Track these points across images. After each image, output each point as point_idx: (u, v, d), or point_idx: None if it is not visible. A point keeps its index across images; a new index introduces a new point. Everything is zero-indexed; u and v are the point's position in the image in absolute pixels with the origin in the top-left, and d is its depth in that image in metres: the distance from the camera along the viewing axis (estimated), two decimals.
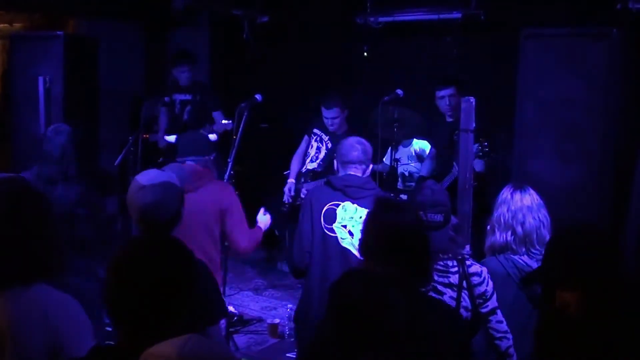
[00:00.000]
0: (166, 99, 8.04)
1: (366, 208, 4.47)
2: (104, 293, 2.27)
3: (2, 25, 10.04)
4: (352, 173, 4.69)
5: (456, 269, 3.62)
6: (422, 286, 3.15)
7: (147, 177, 3.52)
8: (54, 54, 6.98)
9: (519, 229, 4.03)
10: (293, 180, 7.35)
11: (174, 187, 3.55)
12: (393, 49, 8.29)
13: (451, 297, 3.59)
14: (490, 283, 3.65)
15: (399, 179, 7.60)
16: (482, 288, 3.62)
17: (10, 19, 10.08)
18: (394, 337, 2.36)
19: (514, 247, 4.04)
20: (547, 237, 4.05)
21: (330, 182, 4.75)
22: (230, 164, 6.17)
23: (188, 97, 7.95)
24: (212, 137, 4.94)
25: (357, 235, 4.38)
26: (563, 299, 2.63)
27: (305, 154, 7.42)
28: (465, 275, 3.61)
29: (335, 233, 4.61)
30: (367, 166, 4.76)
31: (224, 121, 7.29)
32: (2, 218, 2.67)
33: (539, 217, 4.07)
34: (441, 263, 3.61)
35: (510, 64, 5.83)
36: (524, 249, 4.03)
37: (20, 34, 8.69)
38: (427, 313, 2.83)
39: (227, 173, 6.07)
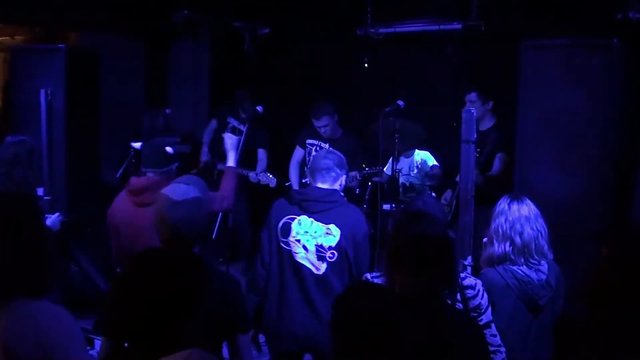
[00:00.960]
0: (231, 120, 8.01)
1: (323, 222, 4.52)
2: (109, 307, 2.27)
3: (3, 38, 10.06)
4: (319, 184, 4.64)
5: None
6: (449, 296, 3.16)
7: (178, 192, 3.52)
8: (55, 67, 6.98)
9: (517, 240, 4.03)
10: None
11: (204, 203, 3.57)
12: (394, 60, 8.30)
13: None
14: (485, 296, 3.64)
15: (400, 190, 7.60)
16: (476, 301, 3.61)
17: (11, 32, 10.10)
18: (396, 352, 2.35)
19: (512, 257, 4.03)
20: (545, 247, 4.06)
21: (290, 195, 4.73)
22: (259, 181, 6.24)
23: (242, 127, 7.88)
24: (169, 149, 4.85)
25: (312, 249, 4.48)
26: None
27: (304, 163, 7.46)
28: (459, 288, 3.60)
29: (290, 247, 4.56)
30: (338, 175, 4.67)
31: (270, 175, 7.35)
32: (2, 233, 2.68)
33: (536, 227, 4.07)
34: None
35: (511, 74, 5.83)
36: (522, 260, 4.03)
37: (22, 47, 8.69)
38: (446, 325, 2.84)
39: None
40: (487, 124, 6.87)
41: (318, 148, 7.33)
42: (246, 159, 7.39)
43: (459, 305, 3.57)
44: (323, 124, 7.13)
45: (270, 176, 7.34)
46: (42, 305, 2.69)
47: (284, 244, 4.58)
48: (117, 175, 6.95)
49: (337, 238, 4.48)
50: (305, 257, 4.52)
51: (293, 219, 4.58)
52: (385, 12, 7.92)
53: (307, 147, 7.48)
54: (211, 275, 3.15)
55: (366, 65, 8.28)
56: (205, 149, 8.22)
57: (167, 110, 7.96)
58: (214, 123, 8.30)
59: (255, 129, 7.67)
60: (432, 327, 2.73)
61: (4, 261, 2.66)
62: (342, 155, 4.82)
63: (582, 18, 6.35)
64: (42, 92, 6.62)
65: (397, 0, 7.86)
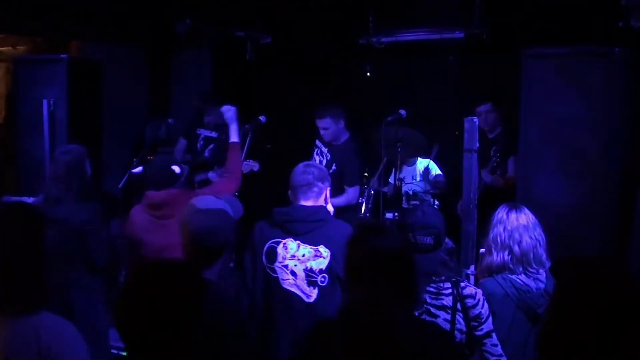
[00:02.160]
0: (201, 131, 7.98)
1: (311, 245, 4.15)
2: (116, 317, 2.27)
3: (5, 48, 10.08)
4: (302, 202, 4.28)
5: (449, 290, 3.61)
6: (412, 309, 3.11)
7: (204, 202, 3.54)
8: (58, 77, 7.01)
9: (516, 248, 4.04)
10: None
11: (228, 216, 3.57)
12: (395, 68, 8.32)
13: (445, 319, 3.58)
14: (486, 306, 3.64)
15: (404, 198, 7.60)
16: (476, 310, 3.60)
17: (14, 42, 10.12)
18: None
19: (511, 266, 4.04)
20: (544, 256, 4.07)
21: (272, 215, 4.32)
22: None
23: (214, 134, 7.91)
24: (176, 169, 4.92)
25: (301, 274, 4.13)
26: None
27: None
28: (459, 297, 3.60)
29: (277, 273, 4.19)
30: (322, 188, 4.32)
31: (250, 161, 7.28)
32: (7, 245, 2.68)
33: (535, 236, 4.08)
34: (433, 285, 3.60)
35: (513, 83, 5.85)
36: (521, 268, 4.03)
37: (24, 57, 8.73)
38: (418, 336, 2.80)
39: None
40: (496, 130, 6.96)
41: (319, 152, 7.33)
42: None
43: (460, 315, 3.58)
44: (323, 125, 7.04)
45: (251, 161, 7.22)
46: (42, 317, 2.69)
47: (270, 270, 4.20)
48: (120, 186, 6.95)
49: (328, 260, 4.11)
50: (294, 284, 4.16)
51: (278, 243, 4.21)
52: (387, 21, 7.93)
53: (315, 148, 7.43)
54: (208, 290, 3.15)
55: (368, 74, 8.30)
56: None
57: (170, 120, 7.96)
58: (182, 142, 8.05)
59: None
60: (393, 339, 2.67)
61: (8, 273, 2.66)
62: (321, 167, 4.53)
63: (583, 27, 6.36)
64: (45, 102, 6.65)
65: (399, 9, 7.87)
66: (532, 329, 3.99)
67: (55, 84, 7.01)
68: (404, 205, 7.55)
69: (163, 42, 9.31)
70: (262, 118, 6.58)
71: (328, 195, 4.40)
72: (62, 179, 4.98)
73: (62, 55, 7.23)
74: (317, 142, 7.35)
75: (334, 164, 7.15)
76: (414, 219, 3.67)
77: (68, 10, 8.07)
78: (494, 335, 3.65)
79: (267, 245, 4.22)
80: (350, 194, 6.96)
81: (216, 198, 3.66)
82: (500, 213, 4.17)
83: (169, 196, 4.65)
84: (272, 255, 4.20)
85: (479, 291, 3.66)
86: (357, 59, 8.32)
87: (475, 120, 4.84)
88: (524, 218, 4.11)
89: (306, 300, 4.14)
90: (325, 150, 7.24)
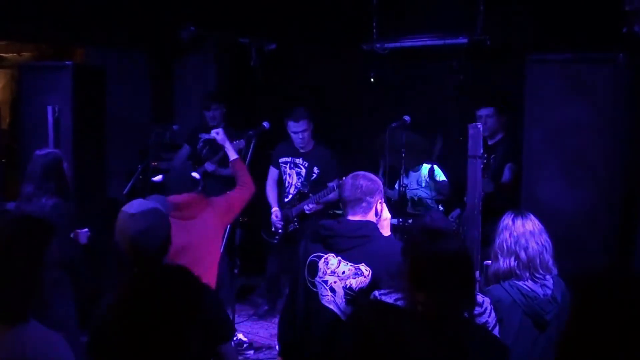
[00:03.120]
0: (202, 135, 7.99)
1: (352, 262, 3.99)
2: (109, 328, 2.27)
3: (10, 55, 10.13)
4: (350, 217, 4.11)
5: None
6: (470, 312, 3.15)
7: (134, 206, 3.55)
8: (62, 83, 7.02)
9: (522, 254, 4.03)
10: (277, 208, 7.48)
11: (163, 214, 3.60)
12: (399, 74, 8.32)
13: None
14: (493, 314, 3.61)
15: (409, 203, 7.61)
16: (483, 318, 3.57)
17: (18, 48, 10.16)
18: None
19: (517, 272, 4.02)
20: (550, 262, 4.06)
21: (317, 229, 4.20)
22: None
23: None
24: (195, 175, 5.11)
25: (340, 292, 4.00)
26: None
27: (281, 182, 7.58)
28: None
29: (317, 288, 4.08)
30: (370, 203, 4.11)
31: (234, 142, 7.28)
32: (4, 256, 2.69)
33: (541, 241, 4.07)
34: None
35: (516, 89, 5.85)
36: (527, 274, 4.01)
37: (29, 64, 8.75)
38: (468, 343, 2.85)
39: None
40: (497, 137, 6.91)
41: (292, 165, 7.36)
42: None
43: None
44: (301, 128, 7.17)
45: (235, 141, 7.15)
46: (28, 329, 2.67)
47: (311, 285, 4.10)
48: (125, 192, 6.97)
49: (369, 279, 3.94)
50: (332, 301, 4.02)
51: (320, 257, 4.09)
52: (391, 27, 7.94)
53: (281, 166, 7.53)
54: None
55: (372, 80, 8.30)
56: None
57: (174, 127, 7.98)
58: (186, 148, 8.09)
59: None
60: (454, 345, 2.72)
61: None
62: (372, 178, 4.20)
63: (587, 32, 6.37)
64: (50, 108, 6.65)
65: (403, 15, 7.89)
66: (539, 336, 3.98)
67: (59, 90, 7.01)
68: (409, 210, 7.56)
69: (167, 48, 9.34)
70: (265, 124, 6.60)
71: (380, 208, 4.18)
72: (37, 178, 5.33)
73: (66, 62, 7.24)
74: (285, 159, 7.48)
75: (315, 168, 7.22)
76: (422, 224, 3.67)
77: (72, 17, 8.10)
78: None
79: (309, 259, 4.12)
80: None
81: (144, 200, 3.76)
82: (506, 220, 4.17)
83: (191, 198, 4.89)
84: (314, 269, 4.09)
85: (487, 299, 3.65)
86: (361, 65, 8.32)
87: (479, 126, 4.83)
88: (530, 224, 4.11)
89: (343, 318, 4.00)
90: (298, 160, 7.30)
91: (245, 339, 6.86)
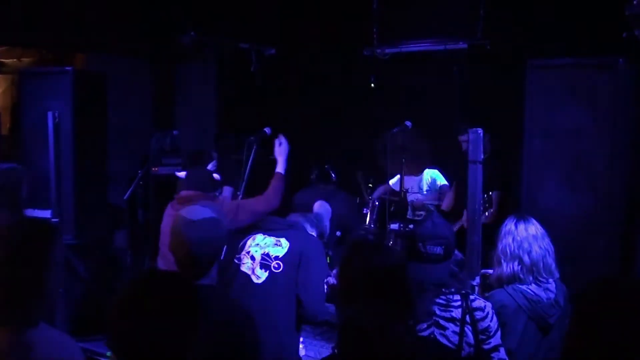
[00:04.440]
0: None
1: (275, 236, 4.68)
2: (110, 330, 2.26)
3: (11, 60, 10.13)
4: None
5: (459, 302, 3.58)
6: (411, 325, 3.12)
7: (195, 212, 3.50)
8: (63, 89, 6.99)
9: (525, 258, 4.03)
10: None
11: (221, 224, 3.55)
12: (400, 79, 8.32)
13: (454, 331, 3.55)
14: (495, 319, 3.61)
15: (409, 208, 7.60)
16: (485, 323, 3.57)
17: (19, 54, 10.17)
18: None
19: (521, 276, 4.03)
20: (553, 265, 4.06)
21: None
22: (240, 196, 6.22)
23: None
24: (216, 176, 5.11)
25: (258, 258, 4.60)
26: None
27: None
28: (468, 310, 3.58)
29: (240, 260, 4.66)
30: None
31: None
32: (13, 259, 2.68)
33: (544, 245, 4.08)
34: (443, 297, 3.58)
35: (517, 94, 5.84)
36: (531, 278, 4.02)
37: (30, 70, 8.74)
38: (418, 352, 2.79)
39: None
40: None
41: None
42: None
43: (469, 328, 3.56)
44: None
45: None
46: (39, 332, 2.67)
47: (237, 260, 4.66)
48: (125, 197, 6.97)
49: (285, 250, 4.57)
50: (250, 267, 4.58)
51: (249, 237, 4.75)
52: (391, 32, 7.95)
53: None
54: (214, 304, 3.16)
55: (372, 85, 8.30)
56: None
57: (175, 132, 7.98)
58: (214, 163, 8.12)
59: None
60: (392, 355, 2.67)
61: (14, 286, 2.65)
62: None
63: (587, 37, 6.37)
64: (50, 114, 6.64)
65: (403, 20, 7.89)
66: (542, 340, 3.98)
67: (60, 96, 6.99)
68: (409, 215, 7.55)
69: (168, 54, 9.34)
70: (267, 130, 6.57)
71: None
72: None
73: (67, 68, 7.21)
74: None
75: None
76: (424, 229, 3.66)
77: (73, 22, 8.11)
78: (502, 350, 3.61)
79: (241, 242, 4.75)
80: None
81: (202, 207, 3.65)
82: (509, 225, 4.17)
83: (195, 194, 4.95)
84: (242, 247, 4.72)
85: (488, 304, 3.64)
86: (361, 70, 8.32)
87: (479, 131, 4.82)
88: (533, 228, 4.11)
89: (255, 280, 4.55)
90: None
91: None
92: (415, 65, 8.14)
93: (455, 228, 7.13)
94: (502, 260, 4.10)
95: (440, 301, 3.57)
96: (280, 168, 5.37)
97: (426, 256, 3.56)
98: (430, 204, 7.61)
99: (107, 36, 8.65)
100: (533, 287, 4.01)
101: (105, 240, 7.35)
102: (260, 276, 4.52)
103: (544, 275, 4.03)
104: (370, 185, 7.49)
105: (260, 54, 7.60)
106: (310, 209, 5.79)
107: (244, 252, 4.68)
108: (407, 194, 7.42)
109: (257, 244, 4.67)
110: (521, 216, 4.23)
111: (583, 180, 5.40)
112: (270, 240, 4.67)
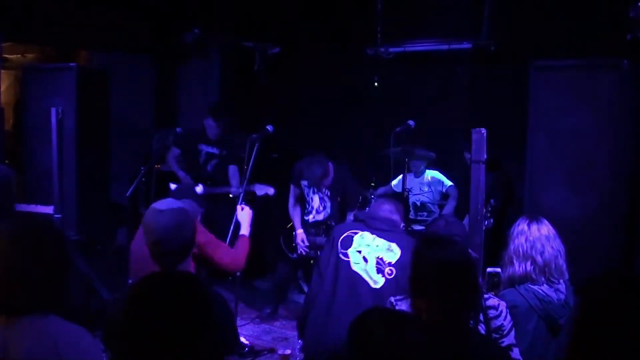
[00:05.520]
0: (202, 147, 8.03)
1: (386, 240, 4.53)
2: (119, 330, 2.25)
3: (14, 56, 10.13)
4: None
5: None
6: (475, 320, 3.15)
7: (164, 203, 3.61)
8: (66, 85, 7.01)
9: (538, 259, 4.04)
10: (302, 231, 7.35)
11: (190, 216, 3.62)
12: (403, 79, 8.32)
13: None
14: (509, 318, 3.60)
15: (411, 209, 7.59)
16: (498, 322, 3.57)
17: (22, 50, 10.18)
18: None
19: (534, 277, 4.04)
20: (564, 266, 4.07)
21: (355, 214, 4.91)
22: (242, 194, 6.25)
23: (215, 151, 7.93)
24: (199, 189, 5.07)
25: (372, 262, 4.43)
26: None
27: (302, 199, 7.44)
28: (482, 308, 3.58)
29: (349, 257, 4.55)
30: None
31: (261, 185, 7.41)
32: (29, 249, 2.69)
33: (555, 246, 4.11)
34: None
35: (520, 94, 5.84)
36: (543, 279, 4.03)
37: (33, 66, 8.75)
38: (470, 350, 2.85)
39: (240, 202, 6.08)
40: None
41: (315, 190, 7.31)
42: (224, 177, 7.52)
43: (482, 326, 3.55)
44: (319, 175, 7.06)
45: (265, 186, 7.30)
46: (58, 324, 2.68)
47: (343, 255, 4.57)
48: (127, 194, 6.96)
49: (397, 256, 4.45)
50: (363, 269, 4.49)
51: (356, 233, 4.64)
52: (395, 32, 7.96)
53: (304, 188, 7.40)
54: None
55: (376, 84, 8.30)
56: (182, 174, 7.98)
57: (178, 130, 7.97)
58: (175, 151, 8.05)
59: (227, 147, 7.75)
60: (456, 352, 2.72)
61: (29, 276, 2.66)
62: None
63: (591, 39, 6.36)
64: (53, 110, 6.64)
65: (407, 19, 7.90)
66: (552, 340, 3.99)
67: (63, 92, 7.00)
68: (412, 216, 7.54)
69: (171, 51, 9.35)
70: (269, 127, 6.59)
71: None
72: None
73: (70, 64, 7.22)
74: (305, 182, 7.33)
75: (338, 198, 7.25)
76: (437, 228, 3.68)
77: (77, 19, 8.11)
78: (515, 350, 3.59)
79: (344, 235, 4.65)
80: None
81: (172, 199, 3.77)
82: (521, 225, 4.19)
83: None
84: (348, 242, 4.60)
85: (503, 303, 3.64)
86: (365, 69, 8.32)
87: (483, 131, 4.81)
88: (545, 229, 4.14)
89: (373, 285, 4.45)
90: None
91: (246, 342, 6.84)
92: (419, 64, 8.14)
93: None
94: (515, 260, 4.11)
95: None
96: (244, 231, 5.19)
97: None
98: (432, 204, 7.61)
99: (111, 33, 8.65)
100: (545, 287, 4.03)
101: (107, 237, 7.35)
102: (378, 281, 4.46)
103: (555, 276, 4.05)
104: (373, 184, 7.48)
105: (263, 52, 7.59)
106: None
107: (351, 249, 4.58)
108: (410, 195, 7.40)
109: (368, 245, 4.57)
110: (533, 217, 4.25)
111: (586, 181, 5.39)
112: (382, 243, 4.55)
